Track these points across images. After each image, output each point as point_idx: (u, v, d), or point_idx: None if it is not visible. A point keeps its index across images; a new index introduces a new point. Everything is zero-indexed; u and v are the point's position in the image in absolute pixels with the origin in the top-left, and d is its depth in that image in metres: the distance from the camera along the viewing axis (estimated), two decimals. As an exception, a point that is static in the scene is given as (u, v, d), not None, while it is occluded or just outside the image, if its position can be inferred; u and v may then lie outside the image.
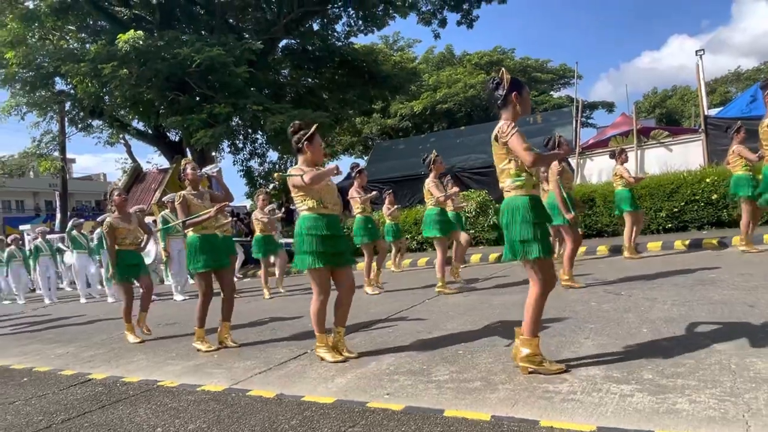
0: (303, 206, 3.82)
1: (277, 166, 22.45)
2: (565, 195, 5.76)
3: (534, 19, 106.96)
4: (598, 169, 11.95)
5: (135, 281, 5.81)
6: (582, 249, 8.92)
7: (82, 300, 10.87)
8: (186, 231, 4.90)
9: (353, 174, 7.44)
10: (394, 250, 10.19)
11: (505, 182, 3.19)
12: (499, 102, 3.19)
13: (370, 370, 3.54)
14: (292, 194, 3.90)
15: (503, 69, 3.34)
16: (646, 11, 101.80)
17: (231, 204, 10.64)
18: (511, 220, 3.14)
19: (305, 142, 3.83)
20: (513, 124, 3.09)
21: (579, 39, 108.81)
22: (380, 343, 4.28)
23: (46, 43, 16.97)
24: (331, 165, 3.90)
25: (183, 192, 4.87)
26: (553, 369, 3.04)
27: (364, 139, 30.55)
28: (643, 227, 9.88)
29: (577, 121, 13.81)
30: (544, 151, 6.67)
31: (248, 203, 26.39)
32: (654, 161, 11.43)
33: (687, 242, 8.20)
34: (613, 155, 7.87)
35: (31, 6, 15.59)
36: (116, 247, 5.59)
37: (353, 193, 7.16)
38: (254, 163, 21.49)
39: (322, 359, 3.85)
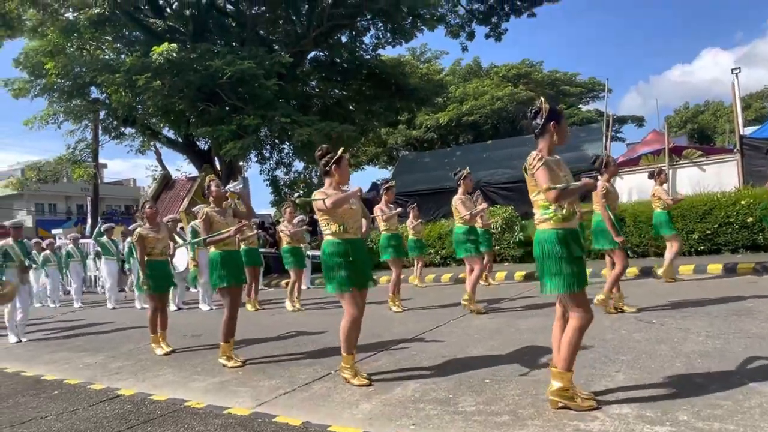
0: (327, 230, 3.88)
1: (302, 175, 22.68)
2: (613, 217, 5.55)
3: (563, 31, 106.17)
4: (628, 188, 11.72)
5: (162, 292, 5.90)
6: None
7: (109, 305, 11.09)
8: (208, 247, 4.99)
9: (381, 190, 7.42)
10: (417, 265, 10.15)
11: (536, 214, 3.16)
12: (536, 131, 3.17)
13: (395, 397, 3.51)
14: (318, 217, 3.96)
15: (543, 98, 3.31)
16: (677, 24, 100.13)
17: (256, 213, 10.77)
18: (540, 253, 3.10)
19: (333, 166, 3.89)
20: (541, 156, 3.06)
21: (608, 51, 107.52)
22: (405, 366, 4.25)
23: (84, 53, 17.53)
24: (353, 188, 3.93)
25: (206, 209, 4.96)
26: (585, 405, 2.97)
27: (389, 150, 30.62)
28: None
29: (607, 137, 13.58)
30: (586, 174, 6.57)
31: (272, 211, 26.68)
32: (686, 181, 11.17)
33: (721, 267, 7.96)
34: (651, 175, 7.68)
35: (71, 17, 16.15)
36: (147, 257, 5.72)
37: (378, 211, 7.15)
38: (280, 173, 21.72)
39: (347, 381, 3.83)
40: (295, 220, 8.95)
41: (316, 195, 3.87)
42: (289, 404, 3.56)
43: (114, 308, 10.94)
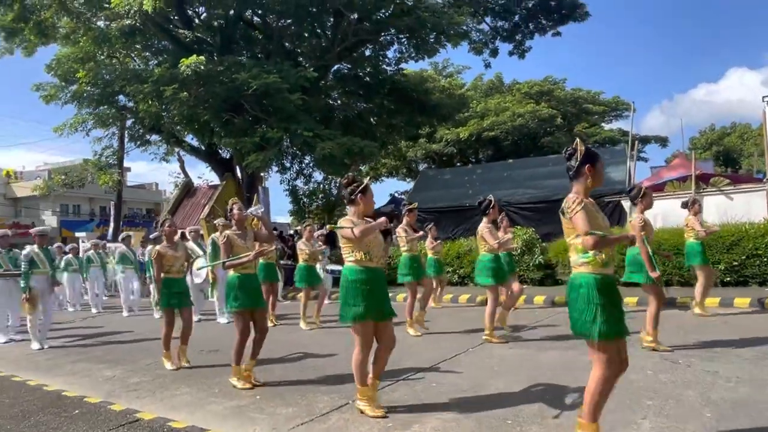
0: (350, 257, 3.87)
1: (321, 186, 22.80)
2: (650, 251, 5.31)
3: (586, 48, 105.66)
4: (652, 215, 11.43)
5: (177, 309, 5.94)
6: (633, 300, 8.60)
7: (124, 314, 11.21)
8: (226, 270, 5.05)
9: (403, 211, 7.40)
10: (435, 287, 10.08)
11: (572, 257, 3.09)
12: (571, 173, 3.12)
13: (414, 434, 3.46)
14: (341, 244, 3.96)
15: (578, 139, 3.28)
16: (703, 42, 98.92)
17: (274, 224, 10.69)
18: (574, 297, 3.02)
19: (359, 195, 3.92)
20: (580, 199, 3.00)
21: (632, 68, 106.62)
22: (423, 399, 4.19)
23: (113, 61, 17.93)
24: (380, 219, 3.91)
25: (228, 232, 5.03)
26: None
27: (408, 163, 30.62)
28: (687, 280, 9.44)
29: (633, 160, 13.37)
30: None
31: (290, 220, 26.84)
32: (713, 210, 10.93)
33: (748, 301, 7.75)
34: (685, 205, 7.52)
35: (103, 26, 16.55)
36: (163, 274, 5.82)
37: (401, 231, 7.10)
38: (300, 183, 21.89)
39: (362, 412, 3.81)
40: (314, 236, 8.97)
41: (343, 223, 3.87)
42: (307, 437, 3.53)
43: (129, 316, 11.06)
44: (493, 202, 6.37)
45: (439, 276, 10.03)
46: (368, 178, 4.07)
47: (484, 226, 6.33)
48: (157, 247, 5.95)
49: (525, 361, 5.26)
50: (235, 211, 5.07)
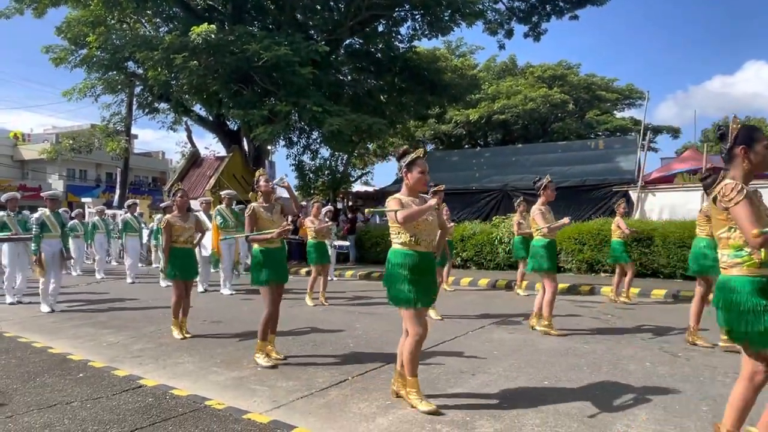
0: (397, 239, 3.58)
1: (328, 162, 22.73)
2: None
3: (603, 34, 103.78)
4: (660, 206, 11.43)
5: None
6: (635, 290, 8.61)
7: (128, 280, 11.31)
8: (251, 243, 4.89)
9: (429, 192, 7.06)
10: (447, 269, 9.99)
11: (722, 254, 2.68)
12: (723, 155, 2.74)
13: (411, 413, 3.50)
14: (389, 222, 3.63)
15: (733, 117, 2.80)
16: (721, 34, 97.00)
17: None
18: (729, 303, 2.60)
19: (405, 170, 3.58)
20: (740, 187, 2.52)
21: (647, 57, 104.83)
22: (422, 380, 4.17)
23: (124, 27, 17.75)
24: (431, 201, 3.53)
25: (253, 204, 4.84)
26: None
27: (416, 143, 30.44)
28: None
29: (644, 151, 13.22)
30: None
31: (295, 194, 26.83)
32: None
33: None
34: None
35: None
36: (172, 244, 5.85)
37: None
38: (306, 158, 21.81)
39: (413, 407, 3.51)
40: (322, 212, 8.93)
41: (390, 204, 3.52)
42: (306, 410, 3.58)
43: (133, 283, 11.17)
44: (546, 182, 5.93)
45: (450, 258, 9.92)
46: (421, 149, 3.63)
47: (536, 208, 5.91)
48: (167, 216, 5.97)
49: (524, 347, 5.30)
50: (262, 182, 4.89)
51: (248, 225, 4.76)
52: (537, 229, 5.92)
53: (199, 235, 6.25)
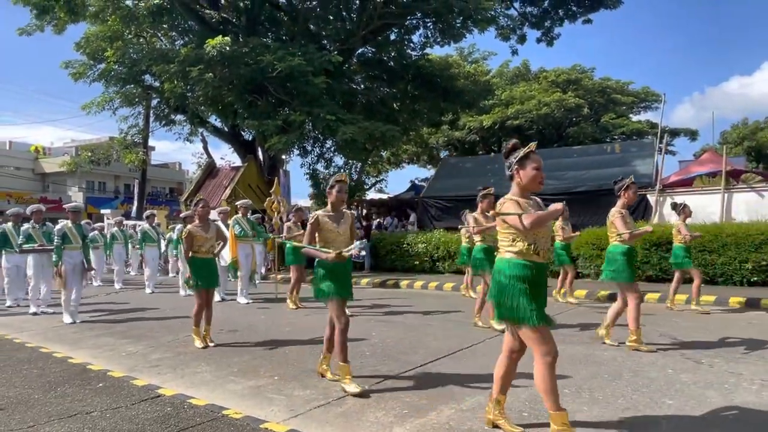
0: (510, 247, 3.08)
1: (342, 170, 22.82)
2: None
3: (617, 37, 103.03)
4: (678, 210, 11.22)
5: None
6: (655, 296, 8.48)
7: (148, 290, 11.44)
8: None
9: (477, 197, 6.62)
10: (469, 276, 9.89)
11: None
12: None
13: (429, 423, 3.47)
14: (499, 228, 3.15)
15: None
16: (738, 33, 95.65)
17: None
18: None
19: (516, 167, 3.08)
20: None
21: (662, 59, 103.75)
22: (440, 389, 4.19)
23: (140, 41, 18.11)
24: (555, 205, 3.05)
25: (319, 212, 4.31)
26: None
27: (430, 150, 30.43)
28: (726, 278, 9.26)
29: (661, 154, 13.05)
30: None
31: (309, 203, 26.97)
32: (743, 207, 10.64)
33: (775, 302, 7.57)
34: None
35: (130, 4, 16.69)
36: (193, 254, 5.90)
37: (472, 219, 6.51)
38: (320, 167, 21.93)
39: None
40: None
41: (507, 206, 3.03)
42: (324, 419, 3.57)
43: (152, 293, 11.29)
44: (627, 183, 5.41)
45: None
46: (534, 143, 3.12)
47: (616, 211, 5.39)
48: (189, 226, 6.01)
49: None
50: (335, 192, 4.28)
51: (308, 235, 4.22)
52: (618, 234, 5.37)
53: (221, 244, 6.28)
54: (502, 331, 6.28)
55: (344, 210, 4.41)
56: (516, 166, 3.08)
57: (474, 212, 6.62)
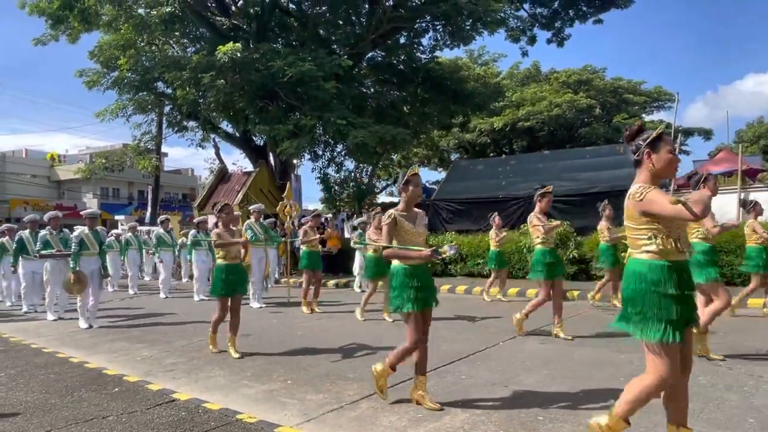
0: (649, 245, 2.62)
1: (353, 174, 22.88)
2: None
3: (628, 37, 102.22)
4: (693, 210, 11.09)
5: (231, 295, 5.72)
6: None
7: (162, 295, 11.53)
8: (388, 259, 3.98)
9: (536, 195, 6.25)
10: (492, 280, 9.73)
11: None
12: None
13: (444, 426, 3.45)
14: (631, 223, 2.69)
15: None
16: (750, 31, 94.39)
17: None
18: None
19: (647, 151, 2.67)
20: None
21: (674, 58, 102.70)
22: (454, 392, 4.17)
23: (153, 49, 18.34)
24: (704, 191, 2.77)
25: (394, 211, 3.87)
26: None
27: (441, 153, 30.39)
28: (744, 280, 9.11)
29: (675, 154, 12.89)
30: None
31: (320, 207, 27.05)
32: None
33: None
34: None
35: (142, 13, 16.91)
36: (220, 260, 5.71)
37: (534, 219, 6.10)
38: (331, 171, 22.01)
39: None
40: (356, 221, 8.89)
41: (654, 195, 2.55)
42: (337, 423, 3.56)
43: (167, 297, 11.38)
44: (704, 175, 5.06)
45: (502, 269, 9.63)
46: (663, 125, 2.56)
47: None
48: (216, 230, 5.81)
49: (557, 357, 5.18)
50: (411, 187, 3.88)
51: (387, 233, 3.79)
52: (703, 230, 4.96)
53: (244, 251, 6.01)
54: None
55: (416, 209, 4.00)
56: (646, 150, 2.68)
57: (534, 212, 6.13)
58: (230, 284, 5.65)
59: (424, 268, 3.89)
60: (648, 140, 2.68)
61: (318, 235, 8.97)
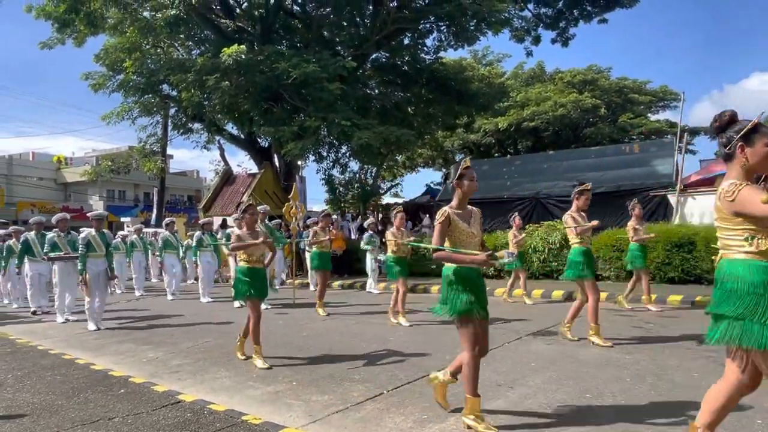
0: (745, 246, 2.43)
1: (357, 175, 22.90)
2: None
3: (633, 36, 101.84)
4: (700, 209, 11.03)
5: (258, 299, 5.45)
6: (678, 297, 8.32)
7: (169, 297, 11.57)
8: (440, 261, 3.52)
9: (573, 194, 5.96)
10: (512, 281, 9.55)
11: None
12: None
13: (448, 427, 3.44)
14: (723, 224, 2.50)
15: None
16: (755, 29, 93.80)
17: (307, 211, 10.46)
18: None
19: (740, 143, 2.47)
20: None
21: (679, 57, 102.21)
22: (459, 394, 4.12)
23: (158, 51, 18.43)
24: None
25: (447, 208, 3.48)
26: None
27: (445, 153, 30.36)
28: None
29: (681, 153, 12.83)
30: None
31: (326, 208, 27.10)
32: (767, 205, 10.38)
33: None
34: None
35: (148, 16, 17.00)
36: (243, 264, 5.39)
37: (569, 219, 5.85)
38: (336, 172, 22.04)
39: None
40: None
41: (747, 192, 2.35)
42: (342, 425, 3.56)
43: (173, 299, 11.41)
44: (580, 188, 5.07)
45: (519, 268, 9.39)
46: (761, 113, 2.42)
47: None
48: (238, 233, 5.45)
49: (562, 358, 5.15)
50: (466, 181, 3.52)
51: (439, 236, 3.40)
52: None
53: (270, 254, 5.68)
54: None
55: (471, 206, 3.61)
56: (740, 143, 2.46)
57: (570, 211, 5.87)
58: (257, 286, 5.33)
59: (479, 272, 3.51)
60: (742, 132, 2.46)
61: (328, 236, 8.94)
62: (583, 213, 5.84)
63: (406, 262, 7.70)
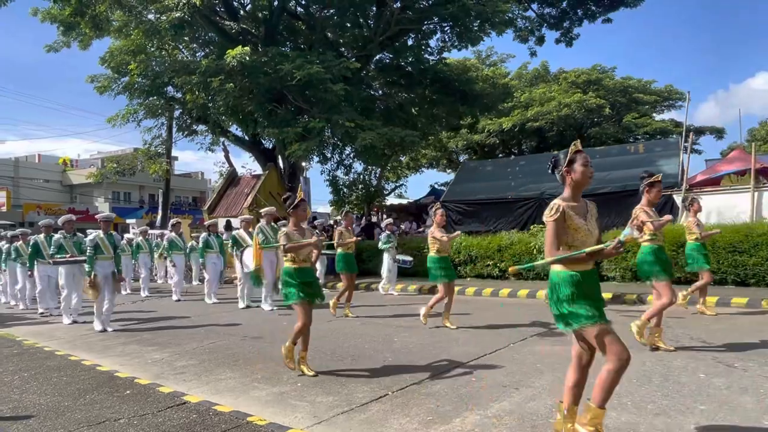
0: None
1: (361, 176, 22.91)
2: None
3: (638, 36, 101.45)
4: (706, 209, 10.94)
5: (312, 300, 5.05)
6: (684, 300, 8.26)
7: (174, 298, 11.61)
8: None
9: (642, 185, 5.39)
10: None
11: None
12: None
13: (454, 429, 3.43)
14: None
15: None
16: (760, 28, 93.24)
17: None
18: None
19: None
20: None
21: (684, 57, 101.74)
22: (464, 395, 4.15)
23: (163, 54, 18.50)
24: None
25: (560, 202, 2.97)
26: None
27: (449, 154, 30.34)
28: (758, 279, 9.01)
29: (687, 153, 12.78)
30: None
31: (329, 209, 27.13)
32: (773, 206, 10.34)
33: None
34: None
35: (152, 18, 17.06)
36: (290, 264, 4.97)
37: (642, 214, 5.30)
38: (340, 173, 22.05)
39: None
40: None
41: None
42: (347, 426, 3.56)
43: (179, 300, 11.45)
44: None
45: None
46: None
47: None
48: (285, 229, 5.01)
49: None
50: (579, 168, 2.96)
51: (553, 236, 2.91)
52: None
53: (316, 253, 5.25)
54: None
55: (583, 198, 3.07)
56: None
57: (640, 205, 5.35)
58: (306, 289, 4.93)
59: (593, 273, 2.99)
60: None
61: (354, 237, 8.84)
62: (652, 208, 5.34)
63: (450, 262, 7.20)
